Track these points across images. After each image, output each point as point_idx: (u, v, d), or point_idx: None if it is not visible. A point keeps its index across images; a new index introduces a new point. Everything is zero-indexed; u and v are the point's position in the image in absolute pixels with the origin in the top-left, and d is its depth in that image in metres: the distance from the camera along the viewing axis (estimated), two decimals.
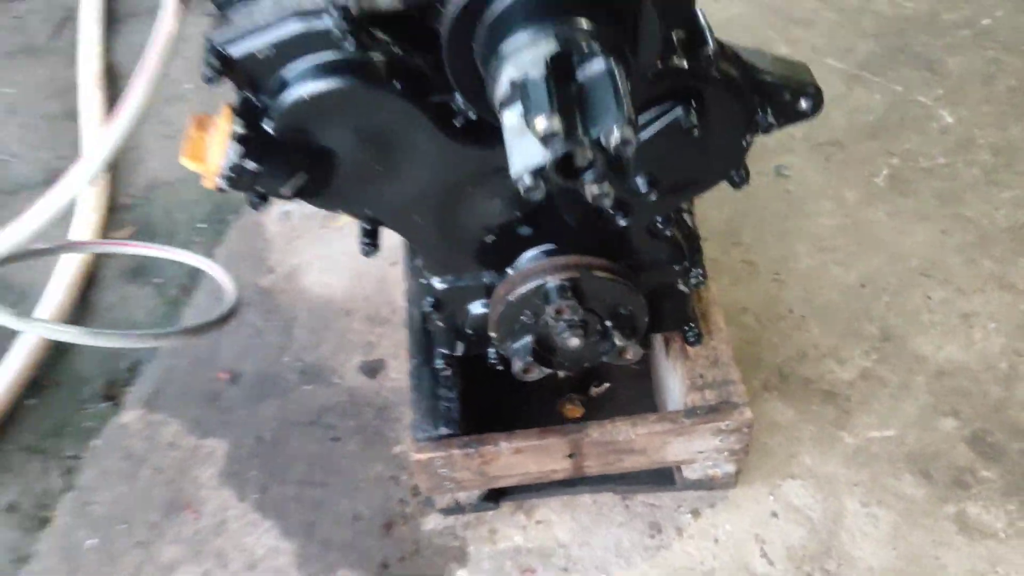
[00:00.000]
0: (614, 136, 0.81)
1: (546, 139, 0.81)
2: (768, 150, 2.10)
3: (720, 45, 1.09)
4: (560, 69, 0.85)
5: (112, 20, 2.55)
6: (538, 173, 0.84)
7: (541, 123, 0.80)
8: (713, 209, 1.99)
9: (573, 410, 1.65)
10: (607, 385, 1.71)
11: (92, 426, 1.76)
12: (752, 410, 1.56)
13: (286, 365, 1.82)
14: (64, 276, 1.89)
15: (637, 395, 1.68)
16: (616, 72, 0.83)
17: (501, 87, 0.88)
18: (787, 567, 1.52)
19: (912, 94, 2.21)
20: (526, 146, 0.84)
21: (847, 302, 1.85)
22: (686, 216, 1.36)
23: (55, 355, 1.84)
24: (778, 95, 1.16)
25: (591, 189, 0.86)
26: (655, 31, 0.95)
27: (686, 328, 1.41)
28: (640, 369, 1.69)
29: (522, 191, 0.84)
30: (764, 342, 1.80)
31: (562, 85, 0.84)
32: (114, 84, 2.37)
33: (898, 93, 2.22)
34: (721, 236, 1.95)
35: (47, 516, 1.65)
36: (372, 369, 1.81)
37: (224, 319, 1.33)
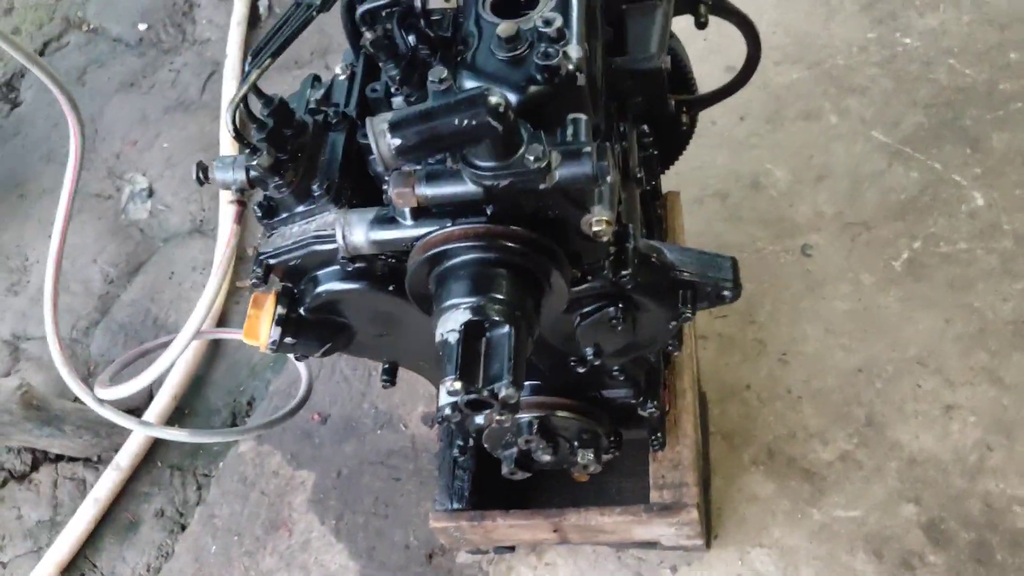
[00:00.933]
0: (501, 395, 1.15)
1: (451, 393, 1.16)
2: (798, 228, 2.32)
3: (644, 259, 1.38)
4: (472, 331, 1.19)
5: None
6: (454, 407, 1.19)
7: (447, 383, 1.15)
8: None
9: (581, 475, 2.00)
10: (615, 453, 2.04)
11: (219, 450, 2.27)
12: (737, 482, 1.88)
13: (365, 411, 2.26)
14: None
15: (637, 463, 2.00)
16: (511, 342, 1.17)
17: (437, 334, 1.23)
18: None
19: (949, 173, 2.34)
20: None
21: (842, 386, 2.08)
22: (651, 356, 1.65)
23: (194, 390, 2.36)
24: (700, 289, 1.43)
25: (495, 418, 1.21)
26: (566, 285, 1.26)
27: (652, 437, 1.72)
28: (643, 441, 2.01)
29: (444, 417, 1.20)
30: (760, 420, 2.07)
31: (471, 344, 1.18)
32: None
33: (935, 171, 2.35)
34: (739, 314, 2.21)
35: (184, 523, 2.18)
36: (431, 419, 2.22)
37: (293, 412, 1.76)
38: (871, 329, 2.15)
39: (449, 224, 1.22)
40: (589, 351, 1.47)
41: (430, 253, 1.23)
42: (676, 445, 1.75)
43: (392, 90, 1.40)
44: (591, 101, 1.29)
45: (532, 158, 1.12)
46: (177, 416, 2.33)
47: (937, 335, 2.11)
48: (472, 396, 1.16)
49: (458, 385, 1.15)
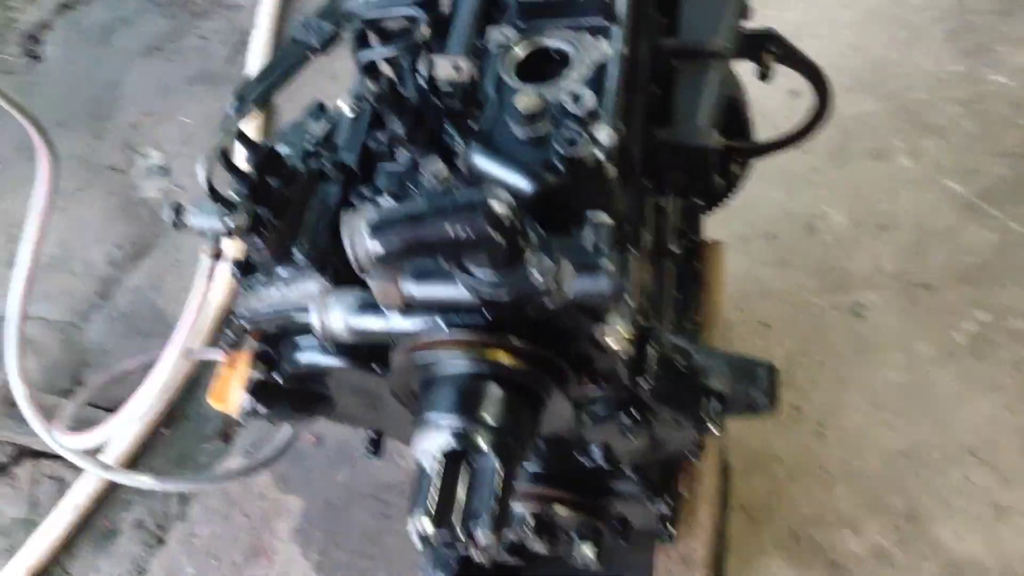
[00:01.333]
0: (479, 538, 0.98)
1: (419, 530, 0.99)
2: (852, 282, 2.10)
3: (667, 364, 1.19)
4: (453, 459, 1.02)
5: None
6: (424, 540, 1.03)
7: (415, 516, 0.98)
8: (775, 344, 2.04)
9: None
10: (622, 544, 1.87)
11: (206, 461, 2.15)
12: (754, 564, 1.71)
13: (361, 437, 2.10)
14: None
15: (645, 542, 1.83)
16: (497, 479, 1.00)
17: (414, 448, 1.06)
18: None
19: None
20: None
21: (883, 470, 1.88)
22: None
23: (187, 392, 2.23)
24: (729, 398, 1.24)
25: (472, 552, 1.04)
26: (571, 404, 1.08)
27: (661, 529, 1.55)
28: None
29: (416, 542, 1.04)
30: (786, 497, 1.88)
31: (451, 471, 1.01)
32: (268, 116, 2.65)
33: (1014, 233, 2.11)
34: None
35: (162, 538, 2.07)
36: None
37: (274, 459, 1.62)
38: (922, 408, 1.94)
39: (440, 321, 1.05)
40: (597, 453, 1.31)
41: (415, 360, 1.06)
42: (689, 538, 1.58)
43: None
44: (621, 182, 1.10)
45: (539, 274, 0.94)
46: (168, 419, 2.20)
47: (996, 424, 1.90)
48: (445, 535, 1.00)
49: (428, 525, 0.98)
